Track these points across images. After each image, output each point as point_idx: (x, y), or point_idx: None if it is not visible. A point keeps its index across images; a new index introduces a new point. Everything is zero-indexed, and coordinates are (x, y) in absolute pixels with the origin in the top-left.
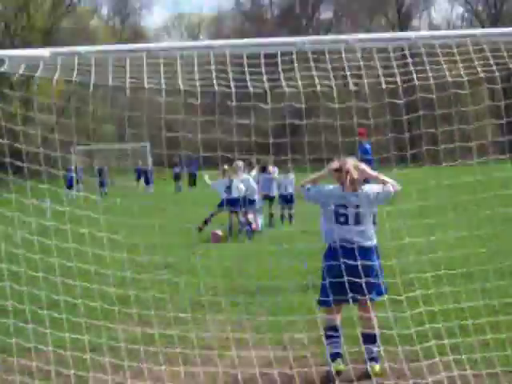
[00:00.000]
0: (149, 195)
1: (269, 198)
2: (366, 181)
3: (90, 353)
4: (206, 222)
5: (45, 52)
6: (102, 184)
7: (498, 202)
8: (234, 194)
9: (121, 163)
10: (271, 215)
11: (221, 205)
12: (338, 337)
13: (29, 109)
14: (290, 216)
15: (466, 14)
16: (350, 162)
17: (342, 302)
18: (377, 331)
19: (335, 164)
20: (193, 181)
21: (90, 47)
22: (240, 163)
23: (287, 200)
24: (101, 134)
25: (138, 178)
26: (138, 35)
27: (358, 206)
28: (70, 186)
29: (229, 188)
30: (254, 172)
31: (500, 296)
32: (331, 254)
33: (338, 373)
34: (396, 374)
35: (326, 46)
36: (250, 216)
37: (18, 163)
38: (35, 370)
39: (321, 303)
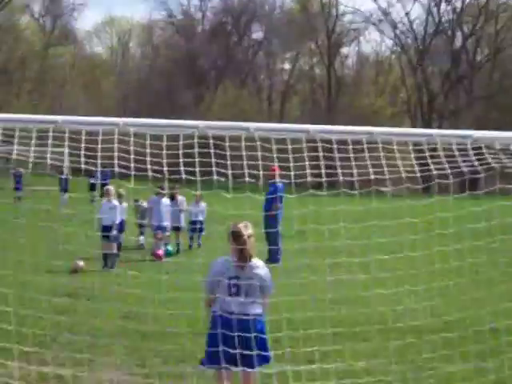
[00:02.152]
0: (64, 204)
1: (176, 228)
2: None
3: None
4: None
5: None
6: (17, 188)
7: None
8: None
9: (39, 168)
10: (177, 244)
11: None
12: None
13: None
14: (199, 245)
15: (395, 48)
16: (248, 234)
17: (227, 369)
18: None
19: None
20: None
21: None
22: (111, 188)
23: (195, 229)
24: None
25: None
26: (68, 36)
27: (249, 278)
28: None
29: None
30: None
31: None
32: (220, 322)
33: None
34: None
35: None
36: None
37: None
38: None
39: (203, 363)
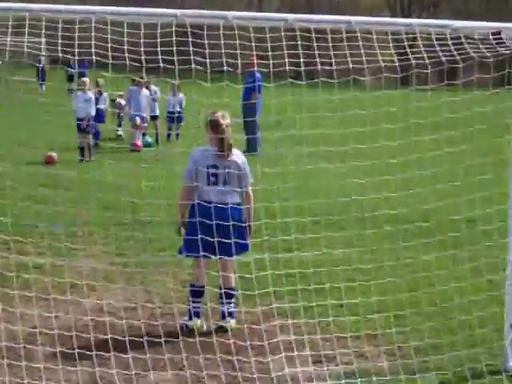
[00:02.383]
0: (41, 93)
1: (153, 117)
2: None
3: None
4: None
5: None
6: None
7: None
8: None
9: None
10: (156, 134)
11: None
12: (201, 295)
13: None
14: (177, 135)
15: None
16: (226, 124)
17: (206, 257)
18: (234, 287)
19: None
20: None
21: None
22: (86, 79)
23: (173, 119)
24: None
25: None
26: None
27: (228, 167)
28: None
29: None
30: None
31: (360, 245)
32: (199, 211)
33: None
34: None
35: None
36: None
37: None
38: None
39: (180, 252)
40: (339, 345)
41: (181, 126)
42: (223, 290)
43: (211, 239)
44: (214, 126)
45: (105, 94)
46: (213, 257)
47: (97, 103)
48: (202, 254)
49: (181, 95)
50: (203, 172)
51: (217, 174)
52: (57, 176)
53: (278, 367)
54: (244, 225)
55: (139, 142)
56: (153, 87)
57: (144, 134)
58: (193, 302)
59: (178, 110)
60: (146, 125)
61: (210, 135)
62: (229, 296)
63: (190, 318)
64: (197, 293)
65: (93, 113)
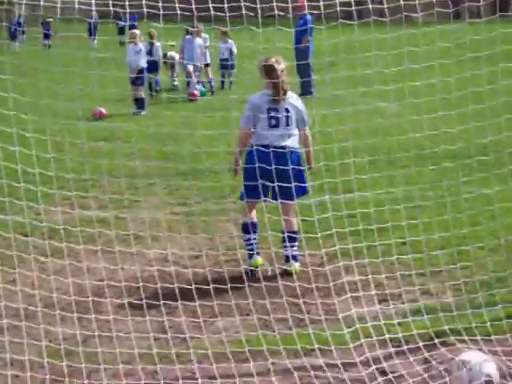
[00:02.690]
0: (92, 48)
1: (204, 65)
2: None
3: None
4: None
5: None
6: (46, 36)
7: None
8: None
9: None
10: (210, 83)
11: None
12: (253, 231)
13: None
14: (231, 83)
15: None
16: (281, 68)
17: (266, 202)
18: (296, 230)
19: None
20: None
21: None
22: (136, 31)
23: (225, 66)
24: None
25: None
26: None
27: (287, 110)
28: (13, 37)
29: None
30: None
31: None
32: (257, 156)
33: (256, 268)
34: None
35: None
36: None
37: None
38: None
39: (242, 198)
40: (404, 283)
41: (233, 72)
42: (286, 234)
43: (271, 183)
44: (269, 70)
45: (157, 44)
46: (273, 201)
47: (150, 54)
48: (262, 198)
49: (230, 41)
50: (263, 116)
51: (277, 117)
52: (113, 129)
53: (344, 308)
54: (303, 168)
55: (196, 92)
56: (203, 35)
57: (198, 83)
58: (248, 239)
59: (226, 57)
60: (198, 73)
61: (266, 80)
62: (292, 239)
63: (250, 257)
64: (249, 229)
65: (143, 64)
